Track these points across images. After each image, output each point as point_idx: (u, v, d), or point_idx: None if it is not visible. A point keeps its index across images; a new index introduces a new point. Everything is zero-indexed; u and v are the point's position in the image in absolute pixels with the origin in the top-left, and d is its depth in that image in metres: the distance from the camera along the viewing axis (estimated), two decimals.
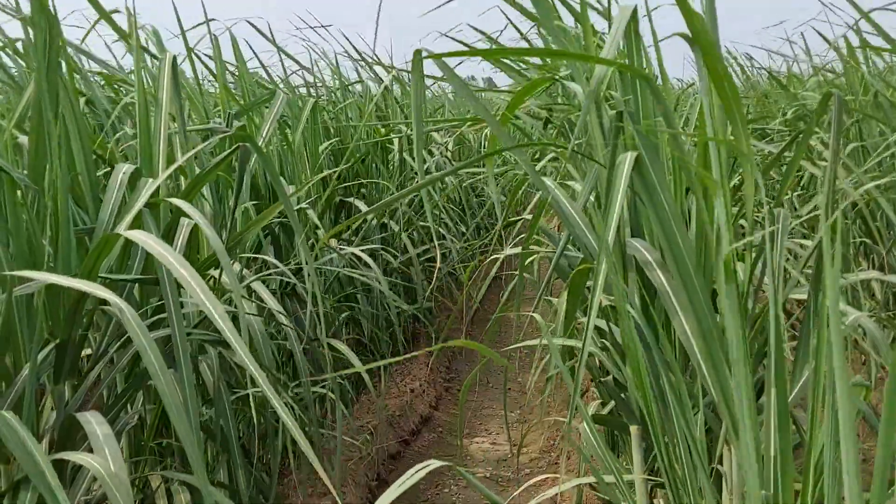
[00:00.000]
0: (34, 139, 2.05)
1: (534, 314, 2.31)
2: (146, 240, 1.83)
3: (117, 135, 3.20)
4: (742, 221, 2.50)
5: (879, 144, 4.21)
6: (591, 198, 2.43)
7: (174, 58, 2.53)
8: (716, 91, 1.66)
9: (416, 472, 1.60)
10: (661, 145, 2.18)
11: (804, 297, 2.24)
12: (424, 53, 1.91)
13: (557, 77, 2.14)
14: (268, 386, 1.74)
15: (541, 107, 2.88)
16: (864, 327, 2.30)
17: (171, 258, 1.74)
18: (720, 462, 2.12)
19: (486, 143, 7.40)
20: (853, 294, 4.26)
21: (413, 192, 4.28)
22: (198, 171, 3.04)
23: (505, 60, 3.03)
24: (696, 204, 2.19)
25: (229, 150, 2.32)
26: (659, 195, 1.94)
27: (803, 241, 2.43)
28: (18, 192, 2.04)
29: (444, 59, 1.79)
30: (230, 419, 2.67)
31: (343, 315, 4.42)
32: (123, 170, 2.29)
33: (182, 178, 2.90)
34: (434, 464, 1.63)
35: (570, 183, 2.47)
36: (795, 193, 5.04)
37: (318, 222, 3.66)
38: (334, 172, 4.56)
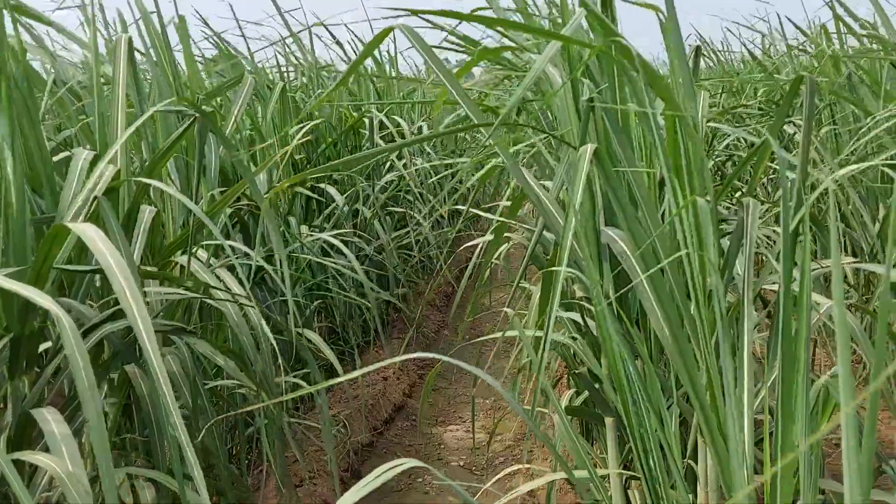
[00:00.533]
0: None
1: (507, 309, 2.25)
2: (89, 233, 1.77)
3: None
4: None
5: (851, 126, 4.19)
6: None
7: (130, 38, 2.45)
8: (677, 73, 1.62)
9: (385, 471, 1.54)
10: (633, 131, 2.13)
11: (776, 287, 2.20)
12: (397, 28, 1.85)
13: (514, 47, 2.08)
14: (176, 413, 1.66)
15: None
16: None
17: (109, 258, 1.67)
18: (693, 457, 2.08)
19: (461, 123, 7.34)
20: (826, 280, 4.24)
21: (380, 154, 4.21)
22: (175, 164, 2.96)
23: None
24: (670, 193, 2.15)
25: (185, 125, 2.24)
26: (622, 185, 1.90)
27: (776, 228, 2.39)
28: None
29: (417, 33, 1.73)
30: (208, 409, 2.61)
31: (315, 303, 4.36)
32: (83, 156, 2.22)
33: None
34: (407, 463, 1.56)
35: (546, 183, 2.42)
36: (768, 177, 5.02)
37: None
38: (306, 158, 4.49)
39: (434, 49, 1.97)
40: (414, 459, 1.35)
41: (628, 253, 2.00)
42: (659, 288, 1.75)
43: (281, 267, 2.82)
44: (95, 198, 2.14)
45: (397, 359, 1.62)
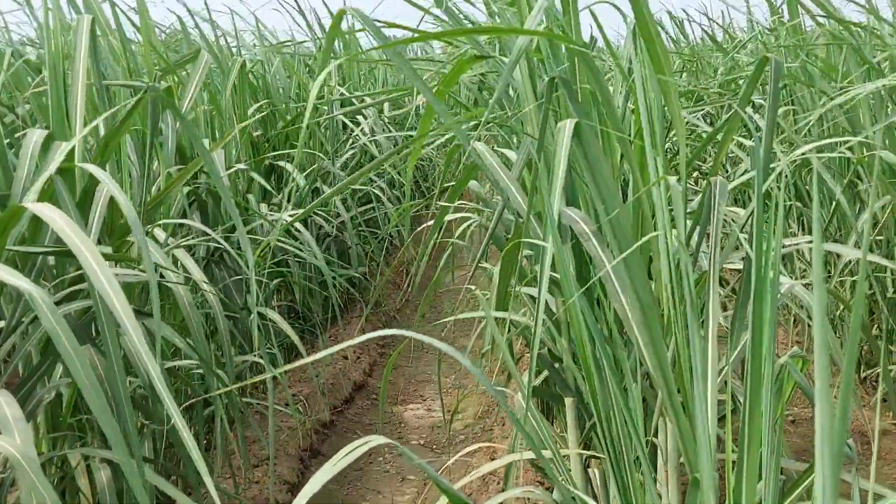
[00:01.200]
0: None
1: (469, 286, 2.25)
2: (50, 214, 1.73)
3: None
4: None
5: (808, 103, 4.21)
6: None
7: (92, 18, 2.40)
8: (646, 49, 1.61)
9: (354, 449, 1.51)
10: (594, 114, 2.12)
11: (739, 266, 2.21)
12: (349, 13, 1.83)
13: (489, 55, 2.07)
14: (158, 376, 1.64)
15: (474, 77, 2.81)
16: (797, 296, 2.28)
17: (72, 234, 1.64)
18: (655, 434, 2.09)
19: (423, 105, 7.30)
20: (785, 260, 4.28)
21: (359, 177, 4.18)
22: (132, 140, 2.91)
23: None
24: (631, 173, 2.15)
25: (135, 99, 2.20)
26: (598, 165, 1.89)
27: (735, 209, 2.39)
28: None
29: (376, 23, 1.71)
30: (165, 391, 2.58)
31: (275, 281, 4.32)
32: (35, 136, 2.17)
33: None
34: (375, 440, 1.53)
35: (504, 151, 2.40)
36: (728, 154, 5.04)
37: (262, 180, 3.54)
38: (263, 136, 4.44)
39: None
40: (381, 437, 1.33)
41: (589, 233, 2.00)
42: (632, 268, 1.75)
43: (240, 249, 2.79)
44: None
45: (360, 338, 1.60)
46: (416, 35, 1.73)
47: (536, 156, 1.86)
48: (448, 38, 1.93)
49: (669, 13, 7.21)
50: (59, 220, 1.69)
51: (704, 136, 3.26)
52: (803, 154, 2.07)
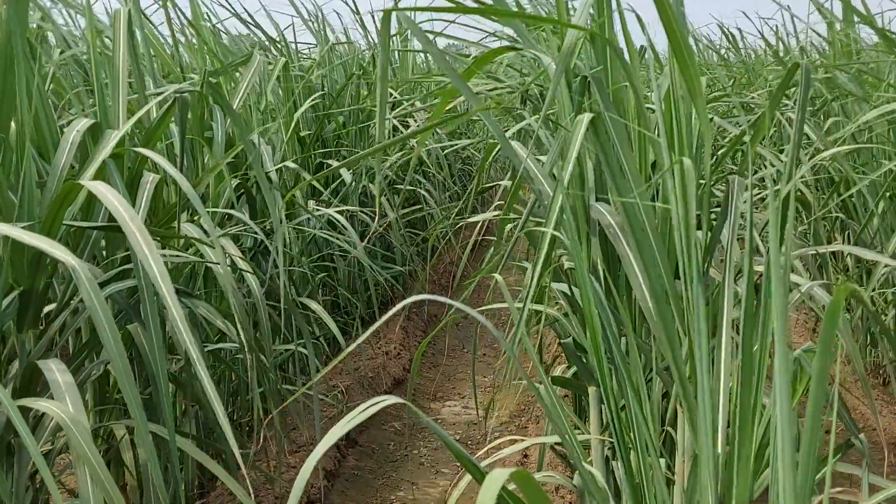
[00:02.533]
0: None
1: (496, 275, 2.32)
2: (103, 191, 1.84)
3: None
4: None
5: (853, 114, 4.23)
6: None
7: (129, 12, 2.51)
8: (675, 57, 1.68)
9: (369, 406, 1.57)
10: (627, 110, 2.19)
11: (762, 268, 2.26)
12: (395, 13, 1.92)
13: (517, 47, 2.14)
14: (194, 348, 1.74)
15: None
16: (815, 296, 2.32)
17: (119, 207, 1.75)
18: (673, 425, 2.15)
19: (469, 108, 7.40)
20: (822, 266, 4.30)
21: (373, 153, 4.28)
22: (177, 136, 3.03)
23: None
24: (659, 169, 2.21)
25: (167, 106, 2.32)
26: (615, 158, 1.96)
27: (763, 214, 2.45)
28: None
29: (417, 23, 1.80)
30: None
31: (319, 276, 4.43)
32: (80, 125, 2.28)
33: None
34: (389, 399, 1.58)
35: (541, 158, 2.48)
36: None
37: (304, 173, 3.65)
38: (315, 135, 4.55)
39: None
40: (395, 397, 1.41)
41: (615, 226, 2.07)
42: (647, 262, 1.81)
43: (274, 238, 2.90)
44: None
45: (394, 310, 1.67)
46: (453, 6, 1.79)
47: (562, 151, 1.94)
48: (486, 14, 2.00)
49: (720, 25, 7.23)
50: (111, 197, 1.79)
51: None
52: (821, 159, 2.12)
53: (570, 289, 2.29)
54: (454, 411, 4.63)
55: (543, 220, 2.79)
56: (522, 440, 3.56)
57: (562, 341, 2.42)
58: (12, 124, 2.18)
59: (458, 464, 4.01)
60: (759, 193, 2.95)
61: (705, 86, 2.36)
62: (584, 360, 2.32)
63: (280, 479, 3.27)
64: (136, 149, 2.12)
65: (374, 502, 3.61)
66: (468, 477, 3.65)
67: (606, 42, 2.11)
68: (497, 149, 2.80)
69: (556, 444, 2.56)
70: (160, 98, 2.47)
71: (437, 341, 5.67)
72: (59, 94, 2.98)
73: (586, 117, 1.86)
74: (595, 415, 2.24)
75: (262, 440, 3.47)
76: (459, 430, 4.36)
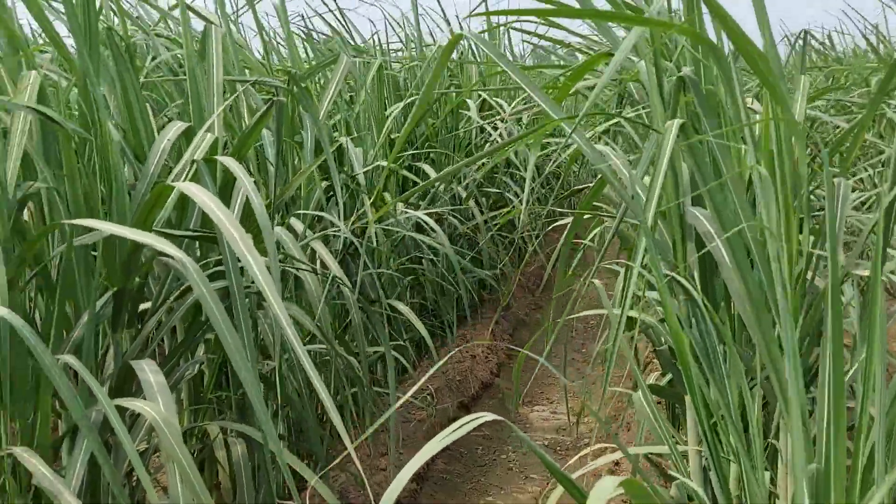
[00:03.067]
0: (83, 91, 2.06)
1: (594, 280, 2.28)
2: (197, 192, 1.85)
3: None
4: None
5: None
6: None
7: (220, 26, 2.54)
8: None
9: (466, 423, 1.54)
10: (722, 113, 2.12)
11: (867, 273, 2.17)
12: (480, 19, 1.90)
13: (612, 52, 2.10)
14: (298, 343, 1.75)
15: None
16: None
17: (217, 211, 1.75)
18: (776, 437, 2.08)
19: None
20: None
21: (475, 161, 4.26)
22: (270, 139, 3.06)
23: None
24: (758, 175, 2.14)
25: (266, 107, 2.32)
26: (710, 162, 1.90)
27: (866, 216, 2.36)
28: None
29: (484, 38, 1.76)
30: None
31: (407, 279, 4.43)
32: (174, 129, 2.30)
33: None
34: (486, 416, 1.56)
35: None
36: (877, 170, 4.89)
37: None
38: (401, 136, 4.55)
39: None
40: (490, 414, 1.38)
41: (713, 233, 2.00)
42: (744, 271, 1.75)
43: (363, 240, 2.90)
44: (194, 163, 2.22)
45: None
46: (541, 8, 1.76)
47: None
48: (568, 16, 1.96)
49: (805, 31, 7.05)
50: (206, 199, 1.80)
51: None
52: None
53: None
54: (542, 416, 4.58)
55: (633, 225, 2.74)
56: (608, 448, 3.50)
57: (657, 349, 2.36)
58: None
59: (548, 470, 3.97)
60: (860, 196, 2.85)
61: (808, 85, 2.27)
62: (680, 369, 2.25)
63: (369, 482, 3.27)
64: (219, 157, 2.13)
65: None
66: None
67: (701, 40, 2.05)
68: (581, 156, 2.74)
69: (649, 453, 2.50)
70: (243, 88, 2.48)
71: (525, 344, 5.62)
72: (154, 99, 3.03)
73: (676, 123, 1.81)
74: (692, 424, 2.18)
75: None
76: (548, 436, 4.31)
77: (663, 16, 1.96)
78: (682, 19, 2.00)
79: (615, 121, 2.39)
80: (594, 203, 3.63)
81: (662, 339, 2.43)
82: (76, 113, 2.28)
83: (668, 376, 2.77)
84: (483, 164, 5.43)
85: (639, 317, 2.23)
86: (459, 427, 1.33)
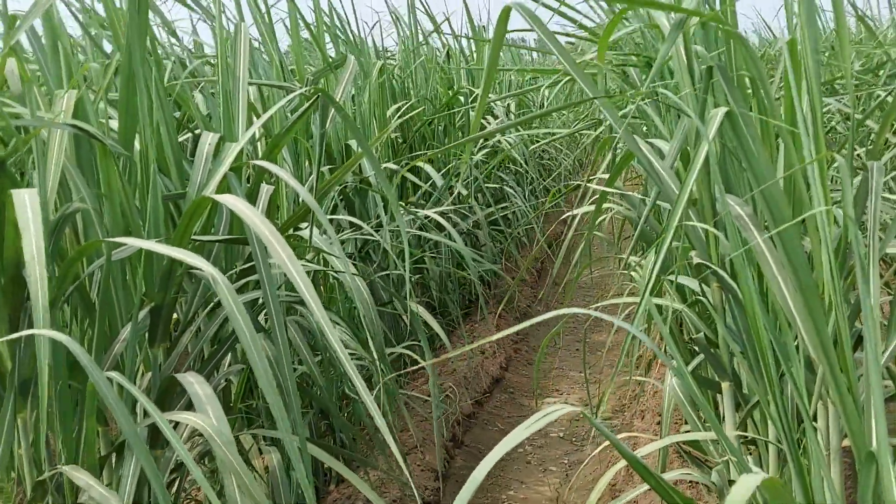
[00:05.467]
0: (124, 107, 2.07)
1: (632, 272, 2.29)
2: (235, 202, 1.86)
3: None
4: (833, 173, 2.46)
5: None
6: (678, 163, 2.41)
7: (247, 27, 2.54)
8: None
9: (545, 415, 1.53)
10: (750, 99, 2.14)
11: None
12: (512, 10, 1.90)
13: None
14: (341, 347, 1.76)
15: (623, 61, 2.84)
16: None
17: (256, 219, 1.77)
18: (814, 418, 2.10)
19: (548, 102, 7.36)
20: None
21: (458, 145, 4.27)
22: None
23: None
24: (784, 157, 2.16)
25: (309, 103, 2.33)
26: (752, 148, 1.92)
27: (890, 196, 2.38)
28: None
29: (533, 12, 1.78)
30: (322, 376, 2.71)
31: (413, 278, 4.44)
32: (209, 139, 2.31)
33: (259, 146, 2.92)
34: (565, 407, 1.53)
35: (655, 141, 2.44)
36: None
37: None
38: (401, 138, 4.56)
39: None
40: (568, 405, 1.39)
41: (745, 216, 2.02)
42: (790, 251, 1.77)
43: (389, 239, 2.90)
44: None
45: (526, 324, 1.66)
46: None
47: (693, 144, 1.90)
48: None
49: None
50: (244, 209, 1.81)
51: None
52: None
53: (700, 285, 2.25)
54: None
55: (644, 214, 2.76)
56: (635, 436, 3.53)
57: (693, 336, 2.38)
58: (136, 143, 2.21)
59: (566, 461, 3.99)
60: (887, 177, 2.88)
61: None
62: (715, 354, 2.28)
63: (395, 481, 3.28)
64: (257, 161, 2.13)
65: (485, 502, 3.60)
66: (578, 475, 3.61)
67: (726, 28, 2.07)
68: (609, 144, 2.76)
69: (681, 442, 2.52)
70: (279, 105, 2.49)
71: (531, 339, 5.65)
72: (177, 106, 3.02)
73: (721, 111, 1.82)
74: (730, 411, 2.20)
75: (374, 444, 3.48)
76: (562, 427, 4.33)
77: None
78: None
79: (635, 105, 2.41)
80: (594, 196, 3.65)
81: (688, 328, 2.45)
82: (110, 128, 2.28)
83: (691, 364, 2.80)
84: (481, 158, 5.45)
85: (671, 305, 2.24)
86: (542, 417, 1.35)
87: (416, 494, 2.10)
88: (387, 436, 1.58)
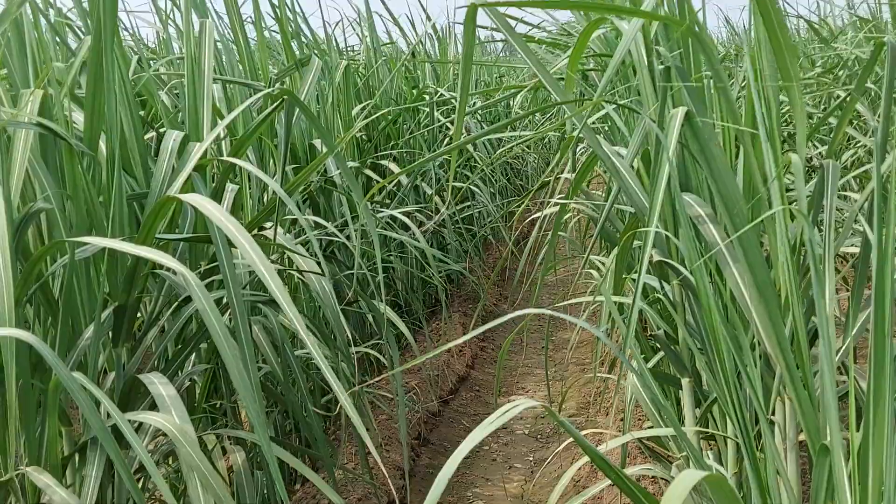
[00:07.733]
0: (90, 106, 2.06)
1: (592, 270, 2.32)
2: (201, 202, 1.86)
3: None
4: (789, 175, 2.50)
5: None
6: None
7: (211, 24, 2.54)
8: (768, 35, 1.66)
9: (507, 411, 1.54)
10: (710, 100, 2.17)
11: (854, 249, 2.24)
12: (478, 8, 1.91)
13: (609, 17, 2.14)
14: (316, 349, 1.78)
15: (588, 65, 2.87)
16: None
17: (223, 218, 1.77)
18: (773, 413, 2.13)
19: (516, 106, 7.40)
20: None
21: (444, 154, 4.29)
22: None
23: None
24: (743, 158, 2.20)
25: (276, 104, 2.33)
26: (711, 149, 1.95)
27: (850, 194, 2.43)
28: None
29: (501, 13, 1.79)
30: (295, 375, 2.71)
31: (379, 276, 4.45)
32: (174, 137, 2.31)
33: (223, 145, 2.92)
34: (525, 402, 1.54)
35: (617, 149, 2.47)
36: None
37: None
38: (366, 136, 4.56)
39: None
40: (529, 400, 1.41)
41: (704, 217, 2.05)
42: (748, 249, 1.80)
43: (350, 239, 2.91)
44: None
45: (502, 320, 1.68)
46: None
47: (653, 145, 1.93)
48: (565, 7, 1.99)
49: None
50: (211, 208, 1.81)
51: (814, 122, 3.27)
52: None
53: (661, 282, 2.28)
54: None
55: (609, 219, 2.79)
56: (599, 432, 3.56)
57: (654, 333, 2.41)
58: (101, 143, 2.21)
59: (531, 458, 4.02)
60: (846, 177, 2.92)
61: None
62: (674, 351, 2.31)
63: (361, 480, 3.29)
64: (226, 158, 2.14)
65: (451, 500, 3.62)
66: (543, 472, 3.64)
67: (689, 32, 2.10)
68: (572, 144, 2.79)
69: (641, 438, 2.55)
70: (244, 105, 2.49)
71: (497, 337, 5.67)
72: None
73: (681, 111, 1.85)
74: (690, 407, 2.23)
75: (338, 443, 3.49)
76: (528, 424, 4.36)
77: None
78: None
79: (602, 112, 2.44)
80: (560, 195, 3.68)
81: (655, 324, 2.48)
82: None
83: (652, 360, 2.83)
84: (451, 163, 5.46)
85: (634, 303, 2.27)
86: (505, 413, 1.37)
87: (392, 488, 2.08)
88: (364, 435, 1.59)
